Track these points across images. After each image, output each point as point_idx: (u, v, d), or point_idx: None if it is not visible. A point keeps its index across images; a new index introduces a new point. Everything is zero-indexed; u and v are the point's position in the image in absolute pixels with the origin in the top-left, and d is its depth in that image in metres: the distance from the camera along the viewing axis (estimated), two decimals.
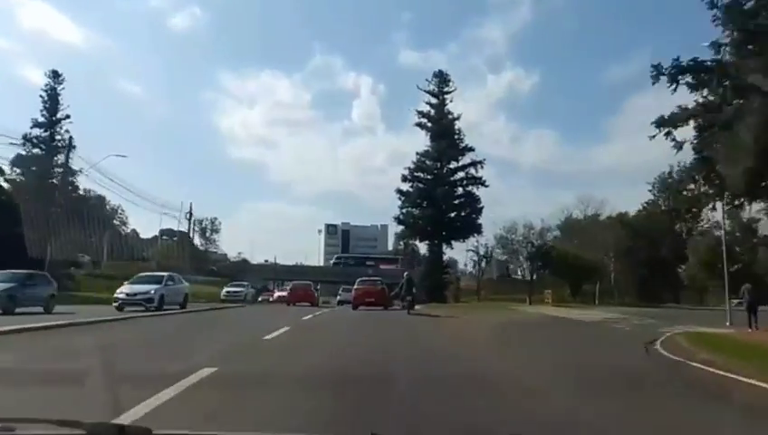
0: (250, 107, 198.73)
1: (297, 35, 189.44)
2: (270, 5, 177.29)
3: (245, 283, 40.31)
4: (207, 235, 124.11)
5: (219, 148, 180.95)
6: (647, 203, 60.76)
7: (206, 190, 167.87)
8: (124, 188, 55.80)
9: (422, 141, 41.93)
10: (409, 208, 41.47)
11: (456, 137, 40.98)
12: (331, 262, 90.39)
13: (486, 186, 40.94)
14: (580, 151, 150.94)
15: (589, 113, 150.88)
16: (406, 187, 41.47)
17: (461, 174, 41.24)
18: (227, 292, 35.53)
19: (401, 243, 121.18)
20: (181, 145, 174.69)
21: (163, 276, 18.82)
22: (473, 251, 40.43)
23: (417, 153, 41.61)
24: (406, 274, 23.43)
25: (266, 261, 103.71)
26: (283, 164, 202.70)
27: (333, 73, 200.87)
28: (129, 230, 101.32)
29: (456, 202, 41.00)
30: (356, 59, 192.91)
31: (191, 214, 49.88)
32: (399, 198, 41.32)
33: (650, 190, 56.18)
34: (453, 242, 41.19)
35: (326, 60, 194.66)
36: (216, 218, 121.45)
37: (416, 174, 41.33)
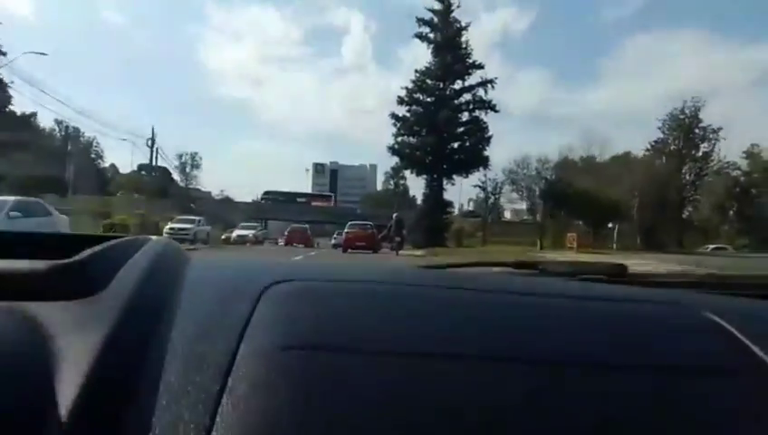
0: (237, 42, 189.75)
1: None
2: None
3: (198, 218, 32.83)
4: (188, 171, 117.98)
5: (206, 84, 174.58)
6: (654, 142, 55.36)
7: (190, 128, 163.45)
8: (62, 104, 48.10)
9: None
10: (405, 137, 35.11)
11: (462, 51, 34.12)
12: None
13: (497, 111, 34.55)
14: (571, 94, 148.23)
15: (582, 54, 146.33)
16: (402, 111, 34.97)
17: (467, 96, 34.71)
18: (171, 228, 27.04)
19: (392, 182, 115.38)
20: (165, 80, 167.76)
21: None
22: (480, 187, 34.64)
23: (417, 71, 34.84)
24: (395, 215, 22.74)
25: (253, 200, 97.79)
26: (272, 102, 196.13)
27: (324, 8, 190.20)
28: (107, 165, 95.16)
29: (461, 130, 34.68)
30: None
31: (153, 140, 43.32)
32: (394, 124, 34.92)
33: (659, 128, 50.39)
34: (455, 177, 35.22)
35: None
36: (196, 153, 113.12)
37: (414, 95, 34.67)
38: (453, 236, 33.75)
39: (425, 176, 35.41)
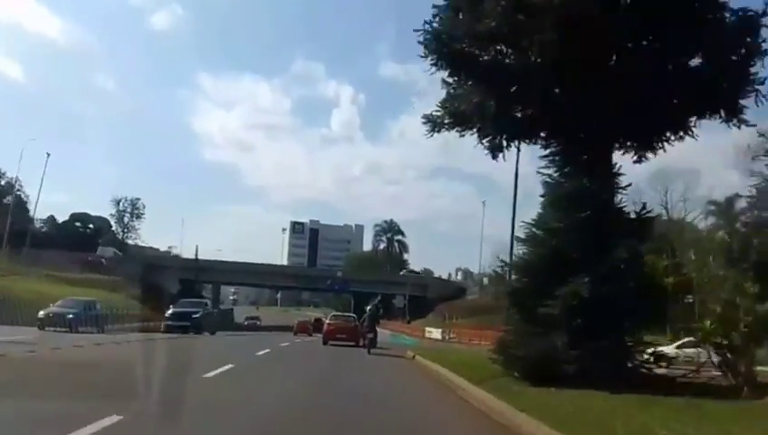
0: (228, 110, 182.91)
1: (280, 39, 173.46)
2: (254, 7, 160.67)
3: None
4: (126, 221, 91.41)
5: (192, 148, 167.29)
6: None
7: (174, 190, 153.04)
8: None
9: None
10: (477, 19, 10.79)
11: None
12: None
13: None
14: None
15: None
16: None
17: None
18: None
19: (385, 237, 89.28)
20: (151, 143, 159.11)
21: None
22: None
23: None
24: (369, 307, 19.04)
25: (210, 259, 71.32)
26: (257, 168, 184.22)
27: (314, 80, 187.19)
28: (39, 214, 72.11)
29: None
30: (338, 68, 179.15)
31: None
32: None
33: None
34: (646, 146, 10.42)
35: (308, 66, 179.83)
36: (137, 200, 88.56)
37: None
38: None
39: (542, 140, 10.76)
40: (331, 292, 77.08)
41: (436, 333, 38.70)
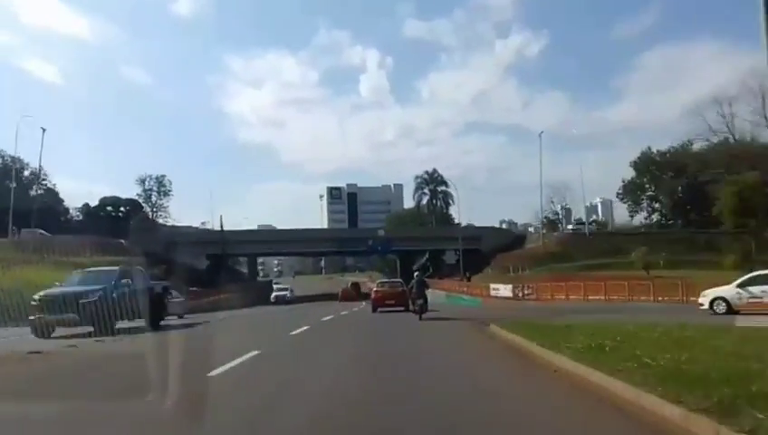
0: (257, 88, 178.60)
1: (301, 10, 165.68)
2: None
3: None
4: (154, 200, 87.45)
5: (228, 130, 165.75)
6: None
7: (212, 173, 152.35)
8: None
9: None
10: None
11: None
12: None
13: None
14: (591, 112, 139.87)
15: (598, 72, 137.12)
16: None
17: None
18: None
19: (426, 190, 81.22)
20: (186, 128, 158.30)
21: None
22: None
23: None
24: (416, 273, 19.22)
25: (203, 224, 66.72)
26: (292, 143, 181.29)
27: (340, 49, 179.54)
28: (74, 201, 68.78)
29: None
30: (362, 33, 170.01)
31: None
32: None
33: None
34: None
35: (332, 35, 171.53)
36: (163, 177, 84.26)
37: None
38: None
39: None
40: (374, 253, 70.43)
41: (504, 290, 31.12)
